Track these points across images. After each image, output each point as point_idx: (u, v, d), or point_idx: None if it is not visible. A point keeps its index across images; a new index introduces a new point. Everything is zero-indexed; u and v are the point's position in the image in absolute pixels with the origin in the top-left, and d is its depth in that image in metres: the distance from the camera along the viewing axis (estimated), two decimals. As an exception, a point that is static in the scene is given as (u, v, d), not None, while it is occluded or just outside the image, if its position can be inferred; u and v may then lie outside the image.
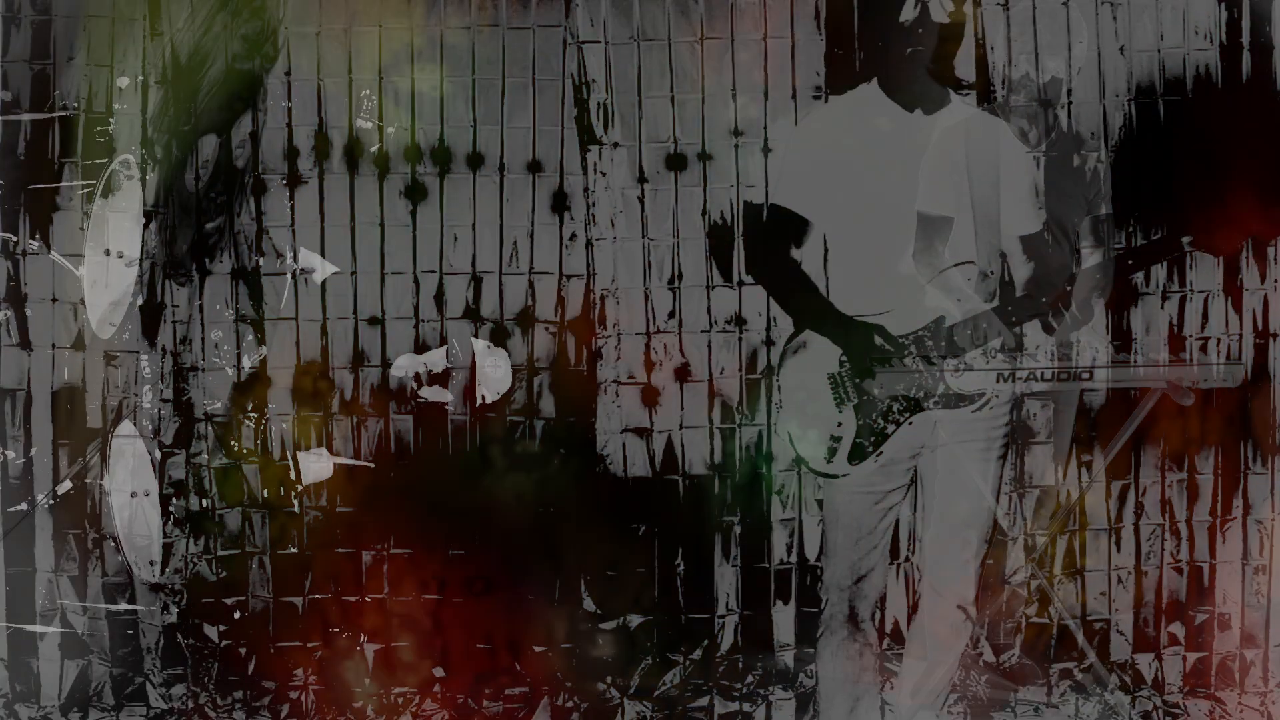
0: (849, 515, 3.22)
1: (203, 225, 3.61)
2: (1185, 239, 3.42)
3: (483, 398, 3.70)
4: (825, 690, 3.38)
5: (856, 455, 3.15)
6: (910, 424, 3.13)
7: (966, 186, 3.13)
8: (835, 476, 3.20)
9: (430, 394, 3.70)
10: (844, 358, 3.13)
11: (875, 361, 3.10)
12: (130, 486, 3.71)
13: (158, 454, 3.73)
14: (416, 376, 3.71)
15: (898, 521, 3.40)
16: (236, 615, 3.76)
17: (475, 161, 3.73)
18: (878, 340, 3.08)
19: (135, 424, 3.72)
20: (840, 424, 3.14)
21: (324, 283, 3.72)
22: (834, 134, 3.18)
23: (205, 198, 3.65)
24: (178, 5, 3.67)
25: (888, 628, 3.65)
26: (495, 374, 3.70)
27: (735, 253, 3.71)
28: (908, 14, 3.08)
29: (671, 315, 3.72)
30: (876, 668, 3.37)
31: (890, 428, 3.13)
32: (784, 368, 3.25)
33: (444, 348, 3.71)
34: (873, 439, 3.13)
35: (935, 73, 3.07)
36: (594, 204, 3.73)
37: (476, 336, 3.72)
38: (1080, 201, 3.37)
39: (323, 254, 3.72)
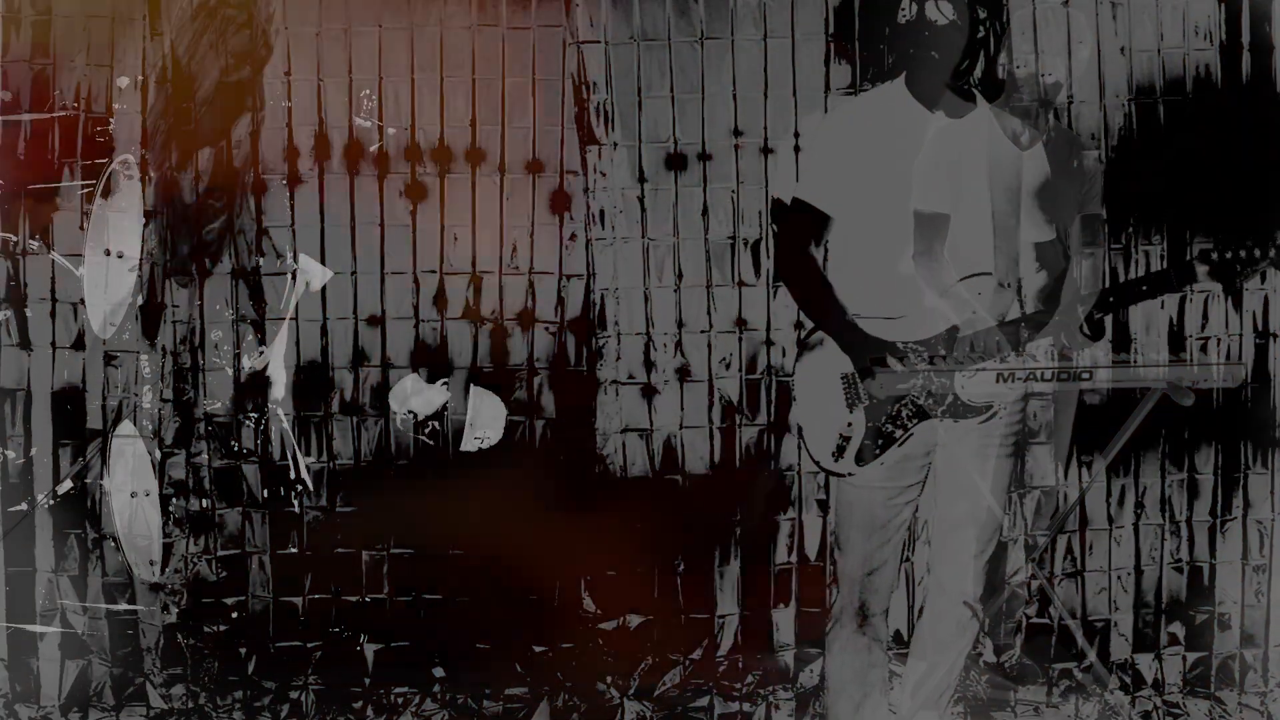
0: (863, 508, 3.22)
1: None
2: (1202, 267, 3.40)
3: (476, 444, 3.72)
4: (832, 684, 3.37)
5: (864, 456, 3.14)
6: (912, 435, 3.13)
7: (972, 186, 3.12)
8: (841, 475, 3.19)
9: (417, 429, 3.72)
10: None
11: (874, 364, 3.09)
12: (130, 486, 3.71)
13: (158, 454, 3.73)
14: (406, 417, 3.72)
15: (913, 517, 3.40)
16: (235, 615, 3.76)
17: (475, 161, 3.73)
18: (889, 360, 3.07)
19: (135, 424, 3.72)
20: (850, 424, 3.14)
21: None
22: (858, 130, 3.17)
23: None
24: (178, 5, 3.68)
25: (891, 629, 3.65)
26: (488, 422, 3.72)
27: (735, 252, 3.72)
28: (904, 16, 3.07)
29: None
30: (884, 665, 3.37)
31: (898, 432, 3.13)
32: (799, 364, 3.24)
33: (442, 390, 3.72)
34: (880, 442, 3.13)
35: (951, 81, 3.06)
36: (594, 204, 3.73)
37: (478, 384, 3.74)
38: (1072, 203, 3.37)
39: (322, 254, 3.72)
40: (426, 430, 3.72)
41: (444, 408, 3.72)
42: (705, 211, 3.72)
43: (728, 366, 3.74)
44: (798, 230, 3.20)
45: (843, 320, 3.12)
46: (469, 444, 3.72)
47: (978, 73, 3.08)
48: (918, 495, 3.25)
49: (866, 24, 3.65)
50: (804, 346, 3.23)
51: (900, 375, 3.09)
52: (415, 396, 3.72)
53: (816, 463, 3.21)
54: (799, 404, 3.24)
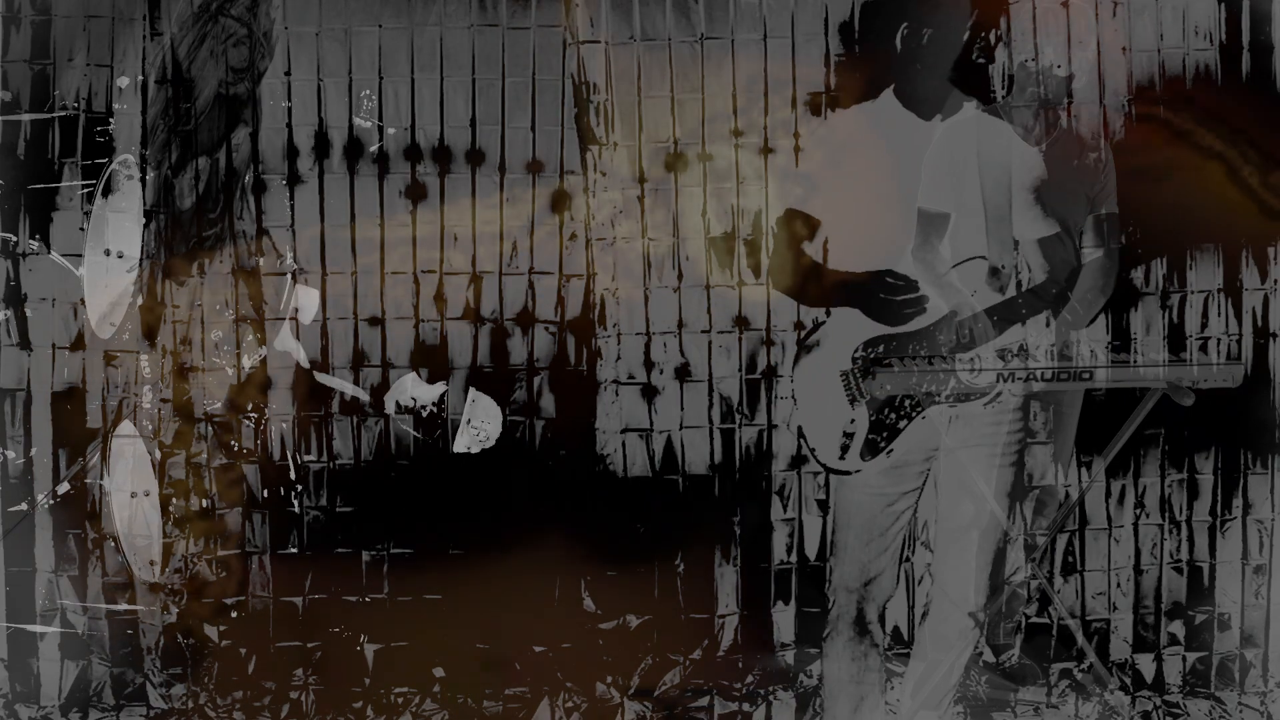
0: (861, 516, 3.23)
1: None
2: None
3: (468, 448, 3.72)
4: (830, 691, 3.39)
5: (869, 451, 3.15)
6: (924, 418, 3.13)
7: (970, 184, 3.13)
8: (848, 473, 3.20)
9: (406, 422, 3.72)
10: (856, 355, 3.14)
11: (884, 361, 3.10)
12: (130, 486, 3.71)
13: (158, 454, 3.73)
14: (399, 407, 3.72)
15: (911, 524, 3.41)
16: (235, 615, 3.76)
17: (475, 161, 3.73)
18: (889, 280, 3.08)
19: (135, 424, 3.72)
20: (853, 420, 3.15)
21: (323, 283, 3.72)
22: (851, 141, 3.18)
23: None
24: (178, 5, 3.68)
25: (889, 629, 3.65)
26: (484, 428, 3.71)
27: (736, 253, 3.72)
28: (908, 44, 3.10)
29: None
30: (881, 669, 3.37)
31: (902, 423, 3.13)
32: (798, 366, 3.25)
33: (441, 386, 3.72)
34: (885, 435, 3.13)
35: (954, 81, 3.07)
36: (594, 204, 3.73)
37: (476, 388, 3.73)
38: (1084, 200, 3.37)
39: (322, 254, 3.72)
40: (422, 419, 3.72)
41: (440, 405, 3.72)
42: (705, 211, 3.72)
43: (729, 360, 3.74)
44: (790, 237, 3.22)
45: (852, 284, 3.12)
46: (461, 445, 3.72)
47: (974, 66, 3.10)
48: (915, 501, 3.26)
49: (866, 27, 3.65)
50: (802, 349, 3.24)
51: (903, 372, 3.09)
52: (413, 394, 3.72)
53: (822, 464, 3.22)
54: (799, 406, 3.25)
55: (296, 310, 3.69)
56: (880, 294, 3.07)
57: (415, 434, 3.71)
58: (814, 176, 3.22)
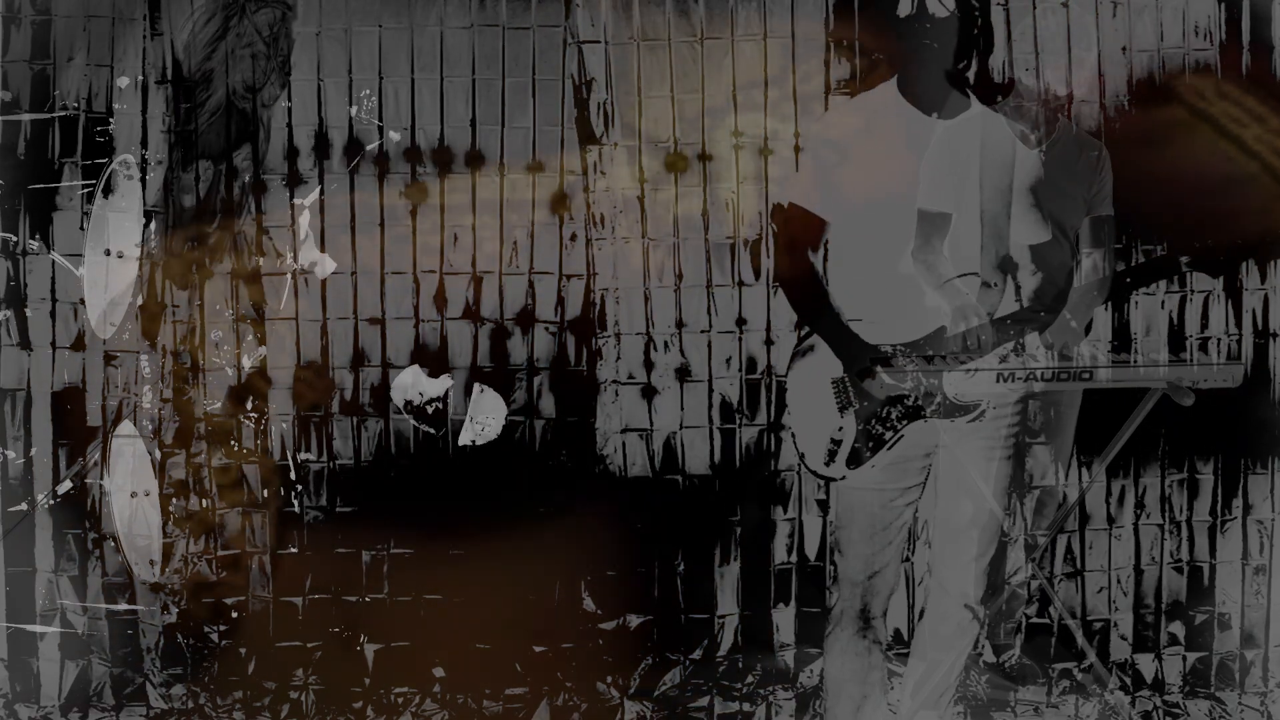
0: (864, 511, 3.23)
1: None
2: (1184, 259, 3.43)
3: (471, 441, 3.72)
4: (831, 686, 3.38)
5: (854, 460, 3.15)
6: (903, 437, 3.14)
7: (968, 185, 3.13)
8: (833, 479, 3.21)
9: (418, 419, 3.71)
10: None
11: (876, 364, 3.10)
12: (130, 486, 3.71)
13: (158, 454, 3.73)
14: (408, 404, 3.71)
15: (913, 520, 3.41)
16: (235, 615, 3.77)
17: (475, 161, 3.73)
18: (878, 370, 3.09)
19: (135, 424, 3.72)
20: (841, 428, 3.15)
21: (324, 283, 3.72)
22: (852, 135, 3.18)
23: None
24: (178, 5, 3.68)
25: (890, 629, 3.65)
26: (488, 423, 3.71)
27: (735, 252, 3.72)
28: (904, 9, 3.07)
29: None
30: (883, 667, 3.37)
31: (888, 435, 3.14)
32: (791, 370, 3.26)
33: (445, 379, 3.72)
34: (870, 446, 3.14)
35: (949, 75, 3.06)
36: (594, 204, 3.73)
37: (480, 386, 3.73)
38: (1080, 203, 3.37)
39: (322, 253, 3.72)
40: (429, 415, 3.72)
41: (444, 398, 3.72)
42: (705, 211, 3.72)
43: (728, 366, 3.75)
44: (792, 235, 3.22)
45: (836, 324, 3.13)
46: (465, 438, 3.72)
47: (974, 70, 3.09)
48: (918, 496, 3.26)
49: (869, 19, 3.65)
50: (795, 353, 3.25)
51: (898, 376, 3.09)
52: (419, 388, 3.72)
53: (810, 469, 3.22)
54: (791, 410, 3.25)
55: (312, 264, 3.70)
56: (863, 367, 3.09)
57: (426, 428, 3.71)
58: (816, 169, 3.21)
